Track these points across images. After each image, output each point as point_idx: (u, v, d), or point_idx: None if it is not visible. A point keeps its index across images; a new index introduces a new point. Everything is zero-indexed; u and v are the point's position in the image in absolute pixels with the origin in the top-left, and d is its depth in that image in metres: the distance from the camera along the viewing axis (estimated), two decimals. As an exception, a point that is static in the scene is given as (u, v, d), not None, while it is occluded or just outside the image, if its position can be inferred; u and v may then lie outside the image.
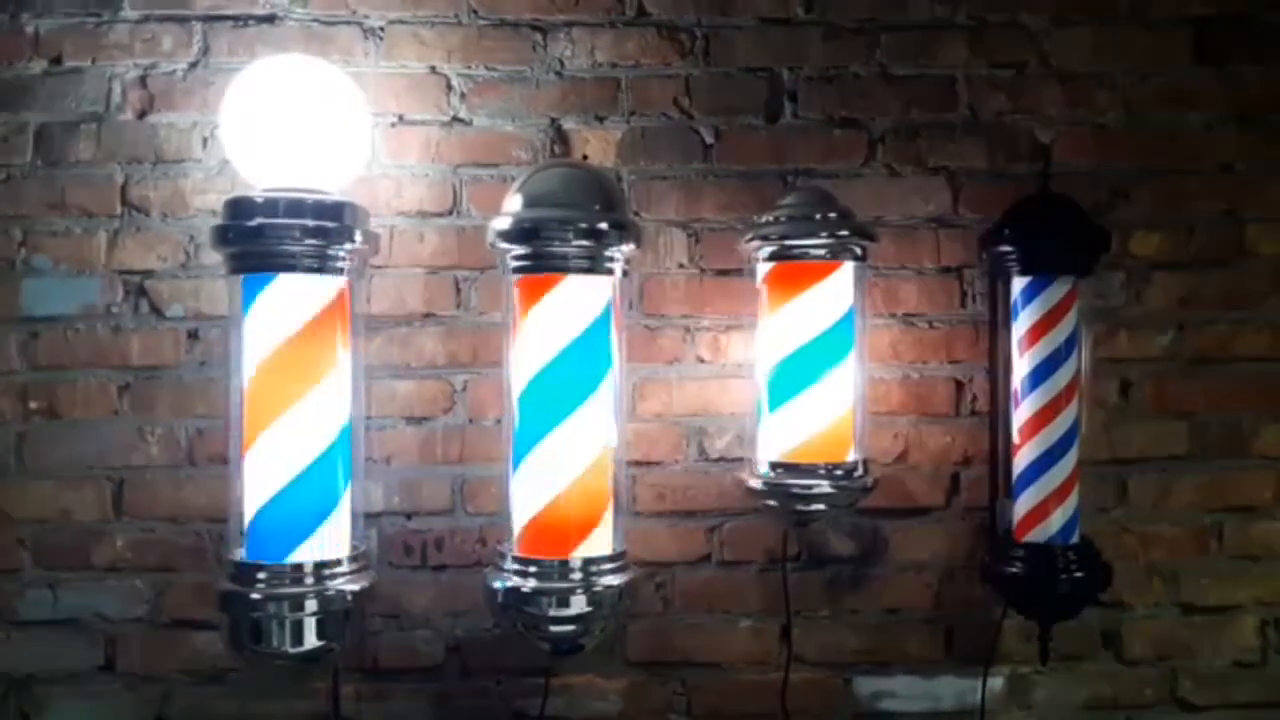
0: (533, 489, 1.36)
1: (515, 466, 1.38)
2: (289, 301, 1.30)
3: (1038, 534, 1.57)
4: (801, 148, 1.68)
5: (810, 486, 1.51)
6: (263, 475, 1.30)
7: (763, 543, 1.67)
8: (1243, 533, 1.71)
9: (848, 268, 1.52)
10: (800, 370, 1.52)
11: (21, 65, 1.63)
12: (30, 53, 1.63)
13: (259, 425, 1.30)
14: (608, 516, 1.39)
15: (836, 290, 1.52)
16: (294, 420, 1.29)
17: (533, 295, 1.37)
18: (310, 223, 1.30)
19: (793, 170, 1.68)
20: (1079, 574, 1.55)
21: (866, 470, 1.55)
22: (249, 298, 1.31)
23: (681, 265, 1.68)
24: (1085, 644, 1.70)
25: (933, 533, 1.69)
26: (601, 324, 1.37)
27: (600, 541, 1.37)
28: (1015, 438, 1.60)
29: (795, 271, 1.53)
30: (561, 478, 1.35)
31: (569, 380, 1.36)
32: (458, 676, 1.64)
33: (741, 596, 1.68)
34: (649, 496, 1.67)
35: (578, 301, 1.36)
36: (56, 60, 1.63)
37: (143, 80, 1.64)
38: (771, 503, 1.54)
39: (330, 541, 1.32)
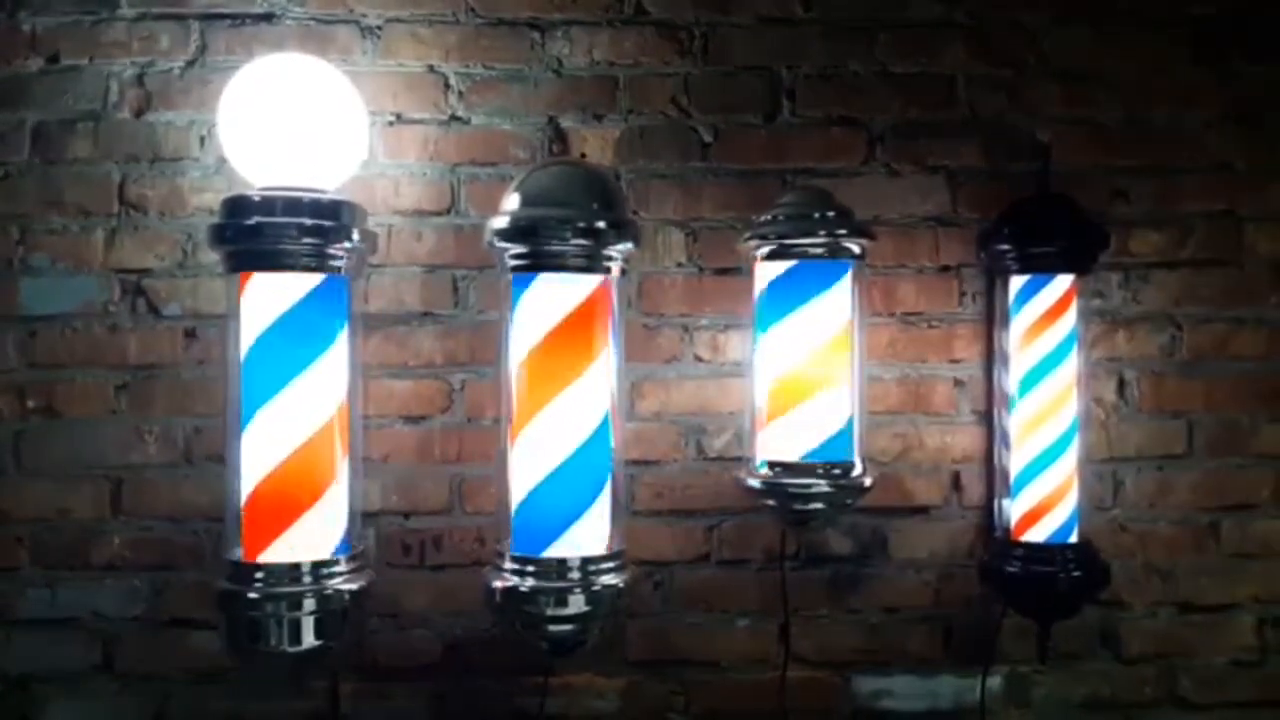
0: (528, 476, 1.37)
1: (511, 459, 1.39)
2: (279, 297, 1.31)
3: (1036, 533, 1.57)
4: (800, 147, 1.68)
5: (808, 486, 1.51)
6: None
7: (761, 542, 1.67)
8: (1240, 531, 1.71)
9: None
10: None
11: (19, 63, 1.63)
12: (27, 51, 1.63)
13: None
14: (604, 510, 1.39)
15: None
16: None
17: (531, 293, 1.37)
18: (308, 221, 1.30)
19: (791, 169, 1.68)
20: (1077, 573, 1.55)
21: (865, 469, 1.55)
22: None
23: (680, 264, 1.68)
24: (1084, 643, 1.70)
25: (931, 532, 1.69)
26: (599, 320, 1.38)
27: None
28: (1013, 436, 1.60)
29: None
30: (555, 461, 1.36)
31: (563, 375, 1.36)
32: (456, 676, 1.64)
33: (740, 596, 1.68)
34: (647, 495, 1.67)
35: (576, 299, 1.36)
36: (54, 58, 1.63)
37: (140, 79, 1.63)
38: (769, 502, 1.54)
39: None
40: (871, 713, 1.69)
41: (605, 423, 1.38)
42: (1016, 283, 1.60)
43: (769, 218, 1.54)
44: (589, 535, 1.37)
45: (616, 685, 1.67)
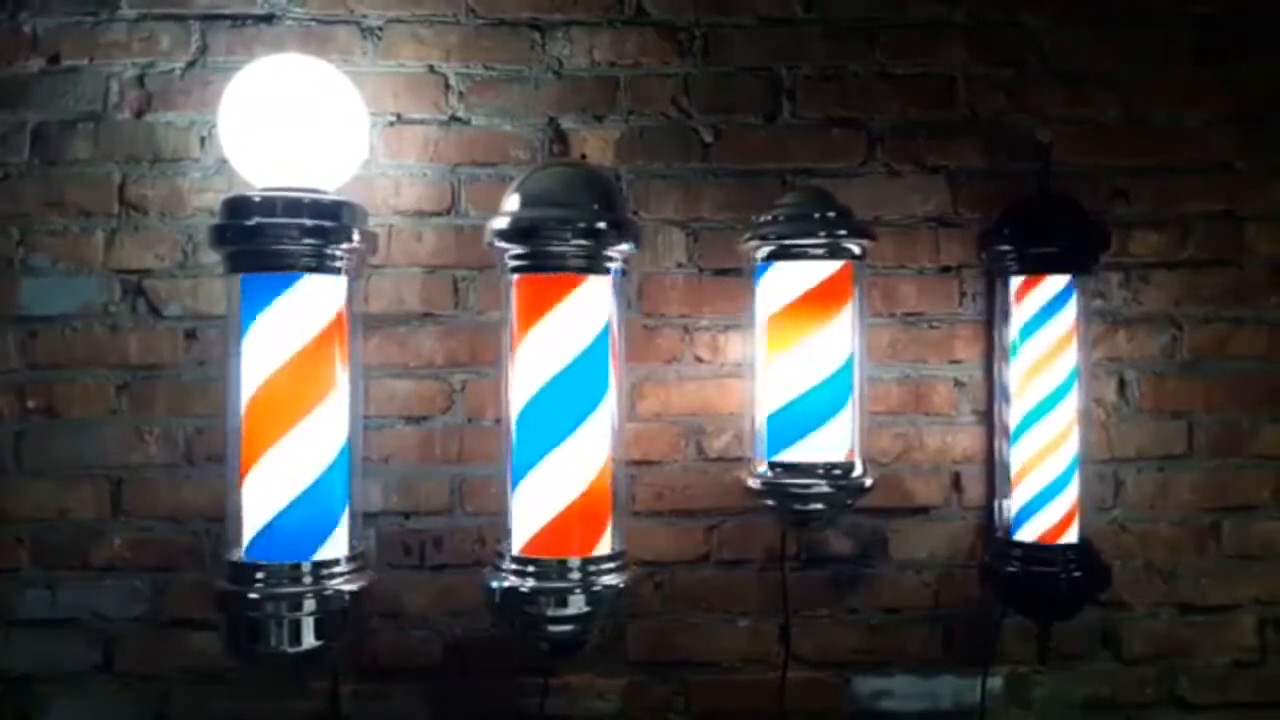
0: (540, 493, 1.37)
1: (514, 464, 1.39)
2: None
3: (1036, 533, 1.57)
4: (800, 147, 1.68)
5: (808, 486, 1.51)
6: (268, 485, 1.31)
7: (761, 542, 1.67)
8: (1241, 532, 1.71)
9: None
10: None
11: (19, 64, 1.63)
12: (28, 52, 1.63)
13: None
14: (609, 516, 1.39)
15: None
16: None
17: (531, 294, 1.37)
18: (308, 222, 1.30)
19: (791, 170, 1.68)
20: (1077, 574, 1.55)
21: (865, 470, 1.54)
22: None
23: (680, 265, 1.68)
24: (1084, 643, 1.70)
25: (932, 532, 1.69)
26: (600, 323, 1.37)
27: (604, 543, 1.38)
28: (1014, 437, 1.60)
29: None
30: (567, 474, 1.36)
31: (569, 380, 1.36)
32: (456, 676, 1.64)
33: (740, 596, 1.68)
34: (648, 496, 1.67)
35: (577, 301, 1.36)
36: (54, 59, 1.63)
37: (140, 79, 1.63)
38: (770, 502, 1.54)
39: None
40: (872, 713, 1.69)
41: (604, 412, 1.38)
42: (1017, 283, 1.60)
43: (769, 218, 1.54)
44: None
45: (617, 685, 1.67)
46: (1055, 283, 1.57)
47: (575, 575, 1.34)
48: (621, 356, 1.43)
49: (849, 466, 1.53)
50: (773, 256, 1.53)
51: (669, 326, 1.67)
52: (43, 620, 1.62)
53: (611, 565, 1.36)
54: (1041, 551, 1.56)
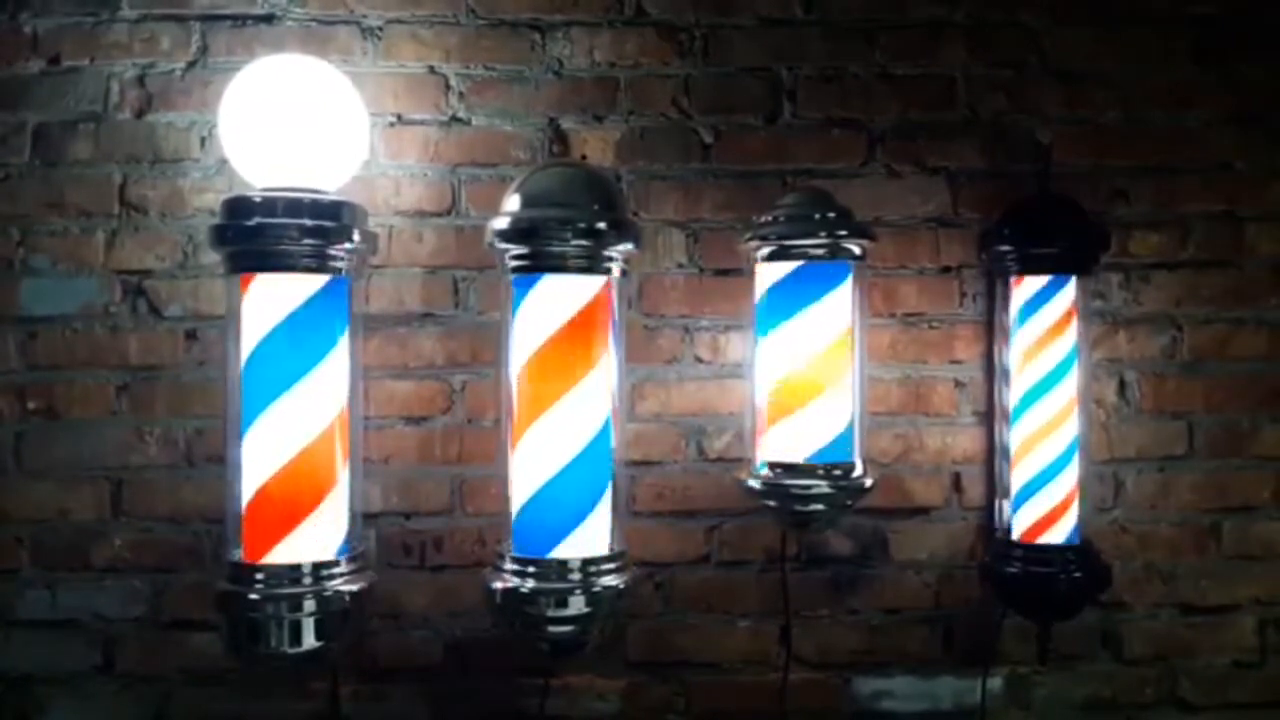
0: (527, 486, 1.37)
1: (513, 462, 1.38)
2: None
3: (1037, 534, 1.57)
4: (800, 148, 1.68)
5: (809, 487, 1.51)
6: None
7: (762, 543, 1.67)
8: (1241, 533, 1.71)
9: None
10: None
11: (19, 65, 1.63)
12: (28, 52, 1.63)
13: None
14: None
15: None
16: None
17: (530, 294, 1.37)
18: (308, 222, 1.30)
19: (792, 170, 1.68)
20: (1078, 574, 1.55)
21: (865, 470, 1.54)
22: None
23: (680, 265, 1.68)
24: (1084, 644, 1.70)
25: (932, 533, 1.69)
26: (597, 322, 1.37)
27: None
28: (1014, 437, 1.60)
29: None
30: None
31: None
32: (456, 676, 1.64)
33: (740, 597, 1.68)
34: (648, 496, 1.67)
35: (576, 300, 1.36)
36: (54, 60, 1.63)
37: (141, 80, 1.63)
38: (770, 503, 1.54)
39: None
40: (872, 714, 1.69)
41: (606, 425, 1.38)
42: (1017, 283, 1.60)
43: (769, 219, 1.54)
44: (591, 538, 1.36)
45: (617, 686, 1.67)
46: (1055, 283, 1.57)
47: (575, 576, 1.34)
48: (622, 356, 1.43)
49: (849, 466, 1.53)
50: (773, 257, 1.53)
51: (669, 327, 1.67)
52: (43, 621, 1.62)
53: (611, 566, 1.36)
54: (1042, 552, 1.56)
